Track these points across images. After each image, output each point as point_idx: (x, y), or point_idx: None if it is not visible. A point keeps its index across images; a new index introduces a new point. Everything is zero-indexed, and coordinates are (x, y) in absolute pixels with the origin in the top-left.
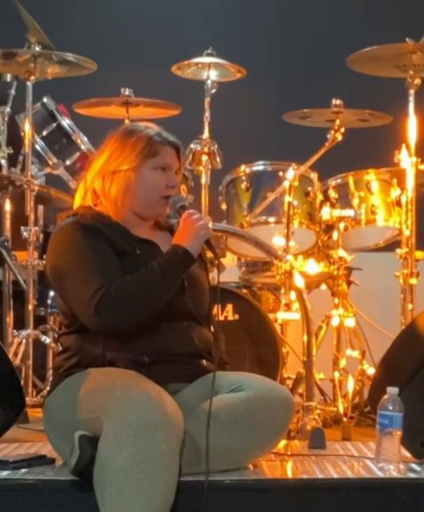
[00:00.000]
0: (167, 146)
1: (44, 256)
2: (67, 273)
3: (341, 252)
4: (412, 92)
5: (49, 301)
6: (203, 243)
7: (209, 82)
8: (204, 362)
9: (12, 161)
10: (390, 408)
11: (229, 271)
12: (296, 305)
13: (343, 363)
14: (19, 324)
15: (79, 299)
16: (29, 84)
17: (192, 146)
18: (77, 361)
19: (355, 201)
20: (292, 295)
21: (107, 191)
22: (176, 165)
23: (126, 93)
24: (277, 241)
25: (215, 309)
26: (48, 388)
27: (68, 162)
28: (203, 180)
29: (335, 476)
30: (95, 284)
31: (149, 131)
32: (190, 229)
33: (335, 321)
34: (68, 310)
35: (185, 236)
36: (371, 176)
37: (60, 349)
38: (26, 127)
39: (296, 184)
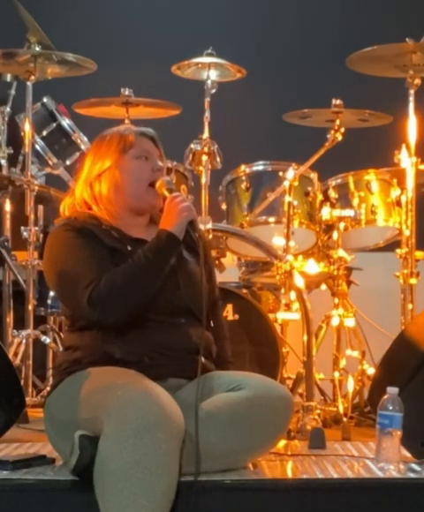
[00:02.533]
0: (141, 137)
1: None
2: (60, 272)
3: (341, 252)
4: (412, 92)
5: (49, 301)
6: (187, 224)
7: (209, 82)
8: (202, 359)
9: (12, 161)
10: (390, 408)
11: (229, 271)
12: (296, 305)
13: (343, 363)
14: (19, 324)
15: (71, 296)
16: (29, 84)
17: (192, 146)
18: (78, 356)
19: (355, 201)
20: (292, 295)
21: (98, 194)
22: (156, 152)
23: (126, 93)
24: (277, 241)
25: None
26: (48, 388)
27: (68, 162)
28: (203, 180)
29: (335, 476)
30: (86, 280)
31: (119, 129)
32: (172, 212)
33: (335, 321)
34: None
35: (168, 220)
36: (371, 176)
37: (62, 348)
38: (26, 127)
39: (296, 184)
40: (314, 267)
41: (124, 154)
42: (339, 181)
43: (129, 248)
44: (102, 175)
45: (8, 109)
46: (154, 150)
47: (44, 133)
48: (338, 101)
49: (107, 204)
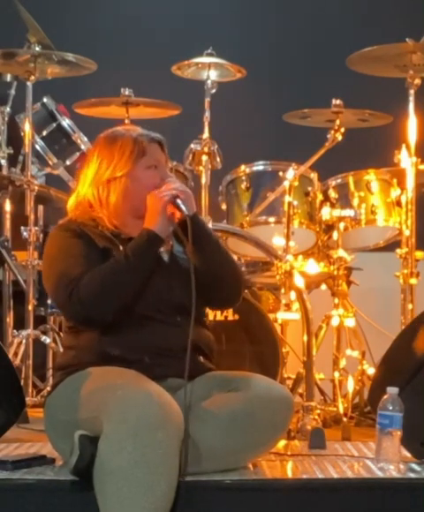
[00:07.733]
0: (152, 144)
1: None
2: (49, 270)
3: (341, 252)
4: (412, 92)
5: (49, 301)
6: (166, 211)
7: (209, 82)
8: (201, 358)
9: (12, 161)
10: (390, 408)
11: None
12: (296, 305)
13: (343, 363)
14: (19, 324)
15: (55, 293)
16: (29, 84)
17: (192, 146)
18: (75, 356)
19: (355, 201)
20: (292, 295)
21: (105, 200)
22: (163, 159)
23: (126, 93)
24: (277, 241)
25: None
26: (48, 388)
27: (68, 162)
28: (203, 180)
29: (335, 476)
30: (70, 277)
31: (132, 133)
32: (152, 208)
33: (335, 321)
34: None
35: (149, 217)
36: (371, 176)
37: (62, 349)
38: (26, 127)
39: (296, 184)
40: (314, 267)
41: (137, 162)
42: (339, 181)
43: (121, 248)
44: (112, 182)
45: (8, 109)
46: (162, 157)
47: (44, 133)
48: (338, 101)
49: (113, 209)
